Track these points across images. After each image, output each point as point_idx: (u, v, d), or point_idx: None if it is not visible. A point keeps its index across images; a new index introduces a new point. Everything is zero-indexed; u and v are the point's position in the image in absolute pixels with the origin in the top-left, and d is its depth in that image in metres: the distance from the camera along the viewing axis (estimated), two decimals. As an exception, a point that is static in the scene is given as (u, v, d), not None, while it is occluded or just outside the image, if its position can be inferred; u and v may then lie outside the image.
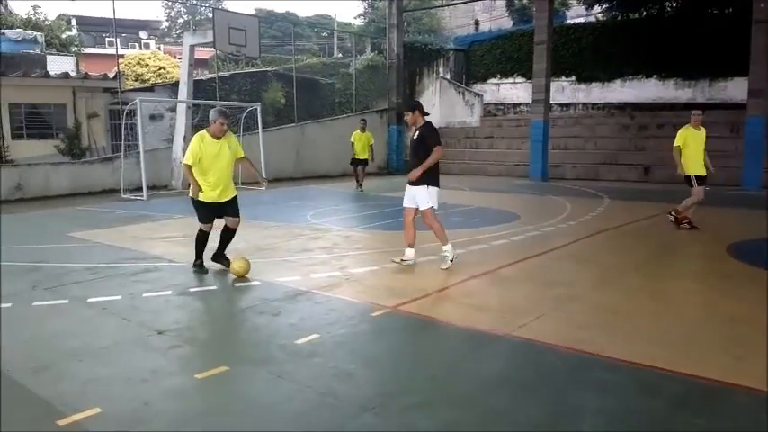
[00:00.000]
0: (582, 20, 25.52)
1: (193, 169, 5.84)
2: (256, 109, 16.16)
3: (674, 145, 9.00)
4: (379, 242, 8.07)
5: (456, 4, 33.48)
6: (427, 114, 6.53)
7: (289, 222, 9.73)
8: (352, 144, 14.99)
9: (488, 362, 3.75)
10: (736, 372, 3.48)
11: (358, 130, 15.13)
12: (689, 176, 8.85)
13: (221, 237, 6.17)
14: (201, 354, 4.02)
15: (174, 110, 16.93)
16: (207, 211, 6.03)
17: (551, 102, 20.76)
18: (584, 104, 23.68)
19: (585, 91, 23.72)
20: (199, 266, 6.13)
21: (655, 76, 22.07)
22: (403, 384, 3.41)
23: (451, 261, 6.18)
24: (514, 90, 25.74)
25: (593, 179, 17.65)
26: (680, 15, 22.34)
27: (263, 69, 21.12)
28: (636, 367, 3.57)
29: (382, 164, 21.97)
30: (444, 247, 6.24)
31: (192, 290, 5.51)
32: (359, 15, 37.52)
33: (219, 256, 6.19)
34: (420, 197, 6.24)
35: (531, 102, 19.64)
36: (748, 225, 9.42)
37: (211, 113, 5.90)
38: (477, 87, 26.65)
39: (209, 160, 5.82)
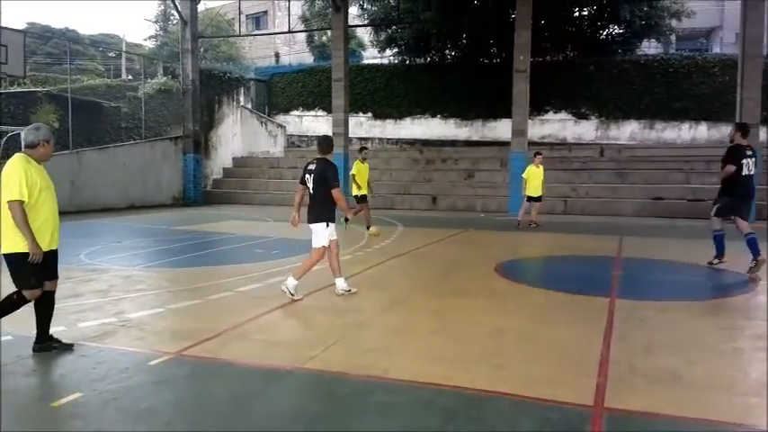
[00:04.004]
0: (377, 61, 27.20)
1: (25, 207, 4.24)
2: (19, 134, 14.25)
3: (522, 176, 13.17)
4: (166, 281, 7.50)
5: (255, 35, 33.57)
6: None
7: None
8: (353, 176, 12.33)
9: (277, 399, 3.69)
10: (499, 380, 3.89)
11: (358, 160, 12.47)
12: (531, 197, 13.11)
13: (40, 308, 4.49)
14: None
15: None
16: (38, 268, 4.31)
17: (351, 135, 21.69)
18: (380, 139, 25.17)
19: (381, 127, 25.27)
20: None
21: (438, 115, 24.36)
22: (182, 433, 3.19)
23: (292, 295, 6.13)
24: (316, 123, 26.45)
25: (389, 208, 18.69)
26: (458, 63, 25.02)
27: (32, 90, 18.75)
28: (415, 386, 3.80)
29: (178, 194, 20.89)
30: (288, 281, 6.19)
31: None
32: (150, 37, 35.70)
33: (47, 339, 4.53)
34: (318, 235, 6.17)
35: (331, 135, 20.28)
36: (513, 246, 10.72)
37: (37, 132, 4.43)
38: (281, 118, 26.90)
39: (41, 193, 4.34)
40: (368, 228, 11.75)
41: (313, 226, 6.25)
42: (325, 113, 24.80)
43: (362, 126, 25.34)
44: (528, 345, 4.70)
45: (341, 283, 6.48)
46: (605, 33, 24.64)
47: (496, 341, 4.81)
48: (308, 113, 26.79)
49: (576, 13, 23.65)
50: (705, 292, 6.97)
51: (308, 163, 6.37)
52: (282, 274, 7.63)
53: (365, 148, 13.13)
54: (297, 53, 33.78)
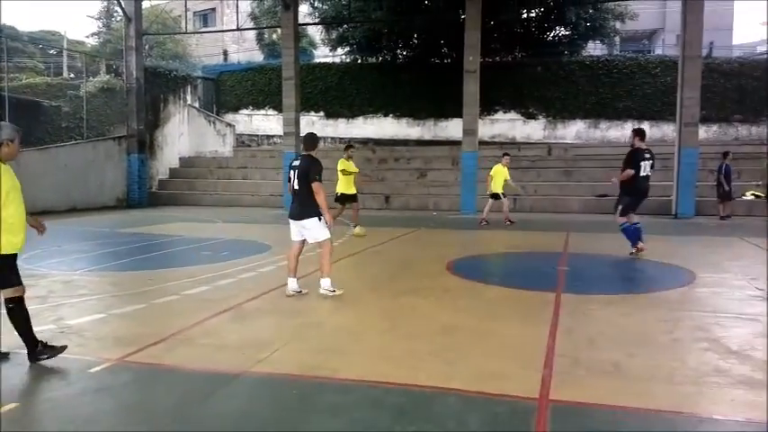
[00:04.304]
0: (329, 60, 27.06)
1: None
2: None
3: (489, 174, 13.54)
4: (109, 285, 7.23)
5: (202, 32, 32.91)
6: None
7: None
8: (342, 173, 11.73)
9: (223, 404, 3.60)
10: (449, 376, 3.92)
11: (344, 158, 11.84)
12: (495, 194, 13.51)
13: (19, 316, 4.28)
14: None
15: None
16: (14, 266, 4.26)
17: (302, 134, 21.45)
18: (333, 138, 25.05)
19: (333, 126, 25.15)
20: (50, 350, 4.33)
21: (391, 115, 24.42)
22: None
23: (333, 291, 6.30)
24: (267, 122, 26.12)
25: (342, 208, 18.62)
26: (410, 62, 25.16)
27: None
28: (365, 385, 3.79)
29: (122, 196, 20.26)
30: (322, 283, 6.33)
31: None
32: (93, 34, 34.51)
33: (36, 344, 4.32)
34: (314, 229, 6.23)
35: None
36: (465, 244, 10.85)
37: (6, 130, 4.28)
38: (229, 117, 26.44)
39: (9, 193, 4.17)
40: (354, 226, 11.74)
41: (304, 222, 6.26)
42: (276, 112, 24.50)
43: (314, 125, 25.13)
44: (477, 341, 4.76)
45: (293, 284, 6.43)
46: (552, 35, 25.22)
47: (447, 338, 4.84)
48: (258, 112, 26.41)
49: (525, 15, 24.11)
50: (646, 286, 7.21)
51: (293, 159, 6.47)
52: (231, 275, 7.53)
53: (351, 146, 12.54)
54: (246, 51, 33.27)
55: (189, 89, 24.51)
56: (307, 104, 24.04)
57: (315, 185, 6.11)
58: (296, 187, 6.26)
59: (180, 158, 23.44)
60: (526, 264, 9.03)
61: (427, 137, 23.68)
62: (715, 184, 15.20)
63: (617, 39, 27.40)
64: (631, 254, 8.88)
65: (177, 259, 9.52)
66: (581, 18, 23.20)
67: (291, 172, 6.33)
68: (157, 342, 4.75)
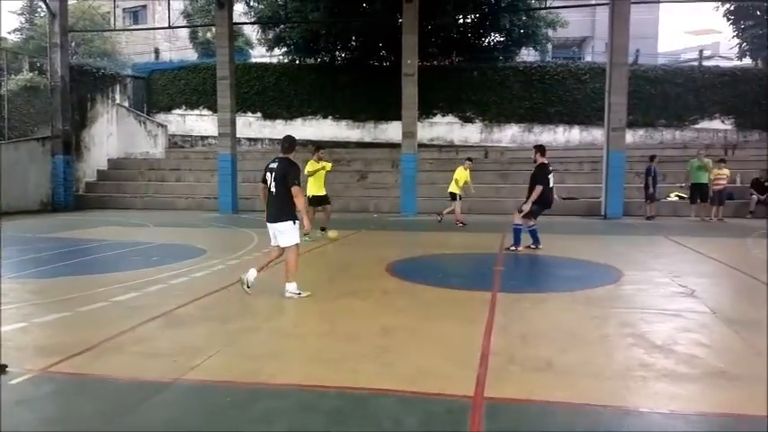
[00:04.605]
0: (266, 60, 26.67)
1: None
2: None
3: (455, 177, 13.70)
4: (30, 293, 6.81)
5: (132, 30, 31.84)
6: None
7: None
8: (310, 174, 11.37)
9: (152, 414, 3.46)
10: (385, 378, 3.91)
11: (314, 159, 11.48)
12: (453, 193, 13.77)
13: None
14: None
15: None
16: None
17: (240, 136, 21.09)
18: (271, 140, 24.75)
19: (271, 127, 24.82)
20: None
21: (330, 116, 24.33)
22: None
23: (299, 294, 6.28)
24: (201, 122, 25.50)
25: (280, 211, 18.37)
26: (349, 64, 25.15)
27: None
28: (301, 389, 3.74)
29: (46, 199, 19.26)
30: (287, 287, 6.29)
31: None
32: (15, 30, 32.71)
33: None
34: (287, 233, 6.19)
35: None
36: (405, 246, 10.92)
37: None
38: (161, 117, 25.65)
39: None
40: (322, 229, 11.50)
41: (278, 225, 6.22)
42: (211, 113, 23.95)
43: (252, 126, 24.75)
44: (415, 341, 4.78)
45: (252, 275, 6.35)
46: (487, 41, 25.82)
47: (385, 340, 4.84)
48: (191, 112, 25.73)
49: (461, 20, 24.57)
50: (577, 284, 7.45)
51: (270, 161, 6.38)
52: (162, 281, 7.28)
53: (321, 148, 12.31)
54: (179, 49, 32.38)
55: (118, 88, 23.64)
56: (243, 105, 23.63)
57: (294, 189, 6.08)
58: (272, 190, 6.20)
59: (108, 160, 22.53)
60: (464, 265, 9.17)
61: (367, 139, 23.73)
62: (642, 185, 15.95)
63: (549, 46, 28.37)
64: (508, 249, 9.69)
65: (105, 265, 9.12)
66: (515, 25, 23.86)
67: (268, 174, 6.27)
68: (83, 351, 4.51)
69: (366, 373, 4.02)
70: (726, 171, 15.33)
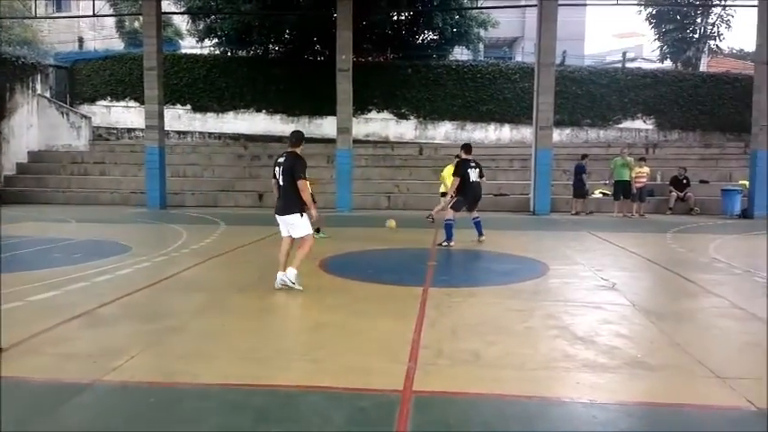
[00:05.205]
0: (196, 51, 25.90)
1: None
2: None
3: (443, 176, 13.34)
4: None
5: (54, 17, 30.17)
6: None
7: None
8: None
9: (70, 417, 3.30)
10: (315, 374, 3.89)
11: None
12: (444, 193, 12.90)
13: None
14: None
15: None
16: None
17: (169, 129, 20.41)
18: (201, 133, 24.10)
19: (201, 120, 24.17)
20: None
21: (264, 110, 23.92)
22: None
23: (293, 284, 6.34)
24: (128, 114, 24.53)
25: (212, 206, 17.96)
26: (283, 58, 24.79)
27: None
28: (228, 388, 3.65)
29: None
30: (289, 272, 6.36)
31: None
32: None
33: None
34: (298, 225, 6.34)
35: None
36: (339, 241, 10.87)
37: None
38: (85, 109, 24.49)
39: None
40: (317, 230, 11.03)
41: (287, 218, 6.42)
42: (138, 104, 23.04)
43: (181, 119, 23.99)
44: (346, 337, 4.78)
45: (280, 276, 6.45)
46: (421, 39, 26.09)
47: (315, 336, 4.81)
48: (117, 104, 24.67)
49: (395, 18, 24.70)
50: (505, 278, 7.66)
51: (279, 156, 6.62)
52: (84, 279, 6.95)
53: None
54: (105, 39, 30.97)
55: (39, 78, 22.36)
56: (172, 97, 22.90)
57: (300, 183, 6.28)
58: (281, 183, 6.41)
59: (29, 152, 21.32)
60: (397, 260, 9.23)
61: (302, 134, 23.47)
62: (572, 183, 16.59)
63: (481, 45, 28.97)
64: (440, 245, 9.93)
65: (23, 263, 8.59)
66: (447, 24, 24.21)
67: (276, 168, 6.49)
68: (-7, 355, 4.25)
69: (295, 370, 3.98)
70: (646, 169, 16.15)
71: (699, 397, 3.62)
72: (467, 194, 9.94)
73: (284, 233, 6.62)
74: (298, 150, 6.53)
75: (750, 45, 22.70)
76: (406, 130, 23.85)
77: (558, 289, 6.84)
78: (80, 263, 8.07)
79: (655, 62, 30.08)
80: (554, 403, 3.53)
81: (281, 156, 6.56)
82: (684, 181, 16.84)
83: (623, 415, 3.38)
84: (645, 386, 3.82)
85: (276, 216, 6.56)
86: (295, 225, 6.43)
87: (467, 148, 10.31)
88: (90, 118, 23.78)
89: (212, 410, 3.35)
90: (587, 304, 5.96)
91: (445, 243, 9.86)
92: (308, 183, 6.40)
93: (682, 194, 16.70)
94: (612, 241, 10.69)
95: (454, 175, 9.97)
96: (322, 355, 4.30)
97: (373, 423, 3.23)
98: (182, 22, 27.69)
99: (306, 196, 6.34)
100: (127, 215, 15.26)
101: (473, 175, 9.92)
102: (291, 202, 6.35)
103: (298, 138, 6.68)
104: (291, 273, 6.38)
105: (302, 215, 6.39)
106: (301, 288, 6.38)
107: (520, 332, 4.98)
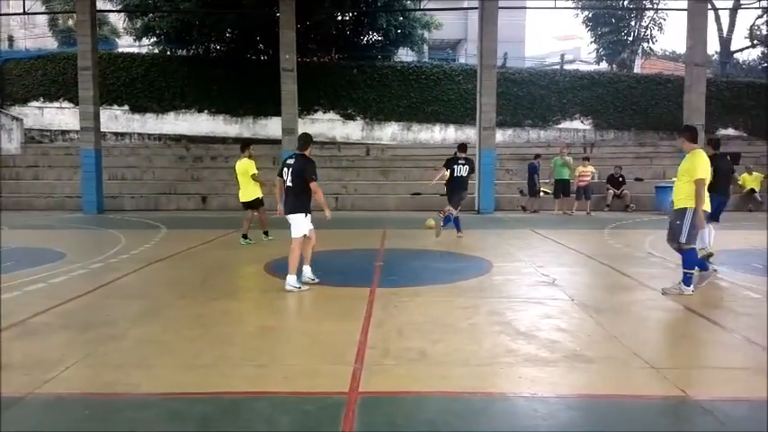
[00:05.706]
0: (134, 50, 25.10)
1: None
2: None
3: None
4: None
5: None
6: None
7: None
8: (253, 176, 10.30)
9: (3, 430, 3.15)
10: (259, 380, 3.84)
11: (245, 157, 10.33)
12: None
13: None
14: None
15: None
16: None
17: (105, 130, 19.71)
18: (140, 134, 23.40)
19: (140, 121, 23.48)
20: None
21: (206, 111, 23.41)
22: None
23: (299, 287, 6.42)
24: (62, 115, 23.57)
25: (153, 209, 17.44)
26: (225, 57, 24.33)
27: None
28: (169, 397, 3.56)
29: None
30: (288, 279, 6.42)
31: None
32: None
33: None
34: (296, 225, 6.49)
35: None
36: (284, 244, 10.68)
37: None
38: (16, 110, 23.38)
39: None
40: (266, 233, 10.79)
41: (292, 216, 6.57)
42: (73, 105, 22.15)
43: (119, 120, 23.20)
44: (292, 341, 4.74)
45: (307, 272, 6.77)
46: (366, 39, 26.13)
47: (260, 341, 4.74)
48: (51, 105, 23.64)
49: (339, 18, 24.64)
50: (450, 276, 7.75)
51: (287, 158, 6.80)
52: (16, 288, 6.62)
53: (250, 144, 11.09)
54: (37, 37, 29.60)
55: (-36, 77, 21.17)
56: (109, 97, 22.15)
57: (313, 185, 6.50)
58: (289, 184, 6.57)
59: (-47, 156, 20.15)
60: (345, 261, 9.20)
61: (246, 134, 23.07)
62: (526, 182, 16.95)
63: (425, 47, 29.25)
64: (459, 236, 11.09)
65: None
66: (392, 25, 24.35)
67: (285, 169, 6.65)
68: None
69: (239, 377, 3.91)
70: (590, 168, 16.68)
71: (635, 387, 3.77)
72: (452, 188, 10.99)
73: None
74: (306, 152, 6.69)
75: (681, 47, 23.80)
76: (352, 130, 23.83)
77: (501, 286, 6.98)
78: (11, 271, 7.67)
79: (592, 64, 31.12)
80: (497, 398, 3.60)
81: (290, 157, 6.74)
82: (620, 179, 17.49)
83: (563, 407, 3.48)
84: (584, 378, 3.94)
85: (287, 216, 6.70)
86: (294, 224, 6.58)
87: (461, 147, 11.36)
88: (22, 120, 22.71)
89: (152, 420, 3.26)
90: (529, 300, 6.11)
91: (459, 234, 11.14)
92: (318, 184, 6.61)
93: (618, 192, 17.34)
94: (553, 238, 10.99)
95: (444, 168, 11.08)
96: (266, 361, 4.24)
97: (319, 426, 3.21)
98: (118, 21, 26.78)
99: (319, 197, 6.60)
100: (62, 220, 14.64)
101: (460, 170, 10.87)
102: (300, 202, 6.55)
103: (305, 140, 6.84)
104: (291, 279, 6.46)
105: (306, 215, 6.58)
106: (308, 288, 6.57)
107: (465, 329, 5.06)
